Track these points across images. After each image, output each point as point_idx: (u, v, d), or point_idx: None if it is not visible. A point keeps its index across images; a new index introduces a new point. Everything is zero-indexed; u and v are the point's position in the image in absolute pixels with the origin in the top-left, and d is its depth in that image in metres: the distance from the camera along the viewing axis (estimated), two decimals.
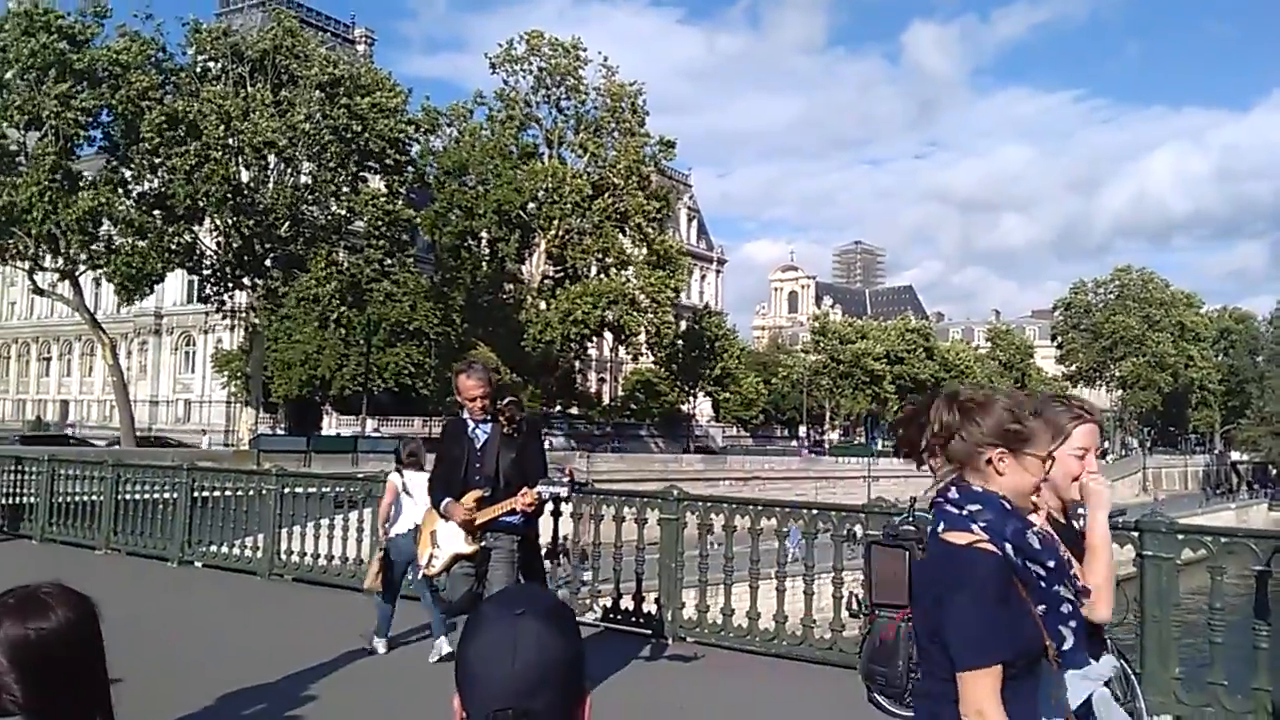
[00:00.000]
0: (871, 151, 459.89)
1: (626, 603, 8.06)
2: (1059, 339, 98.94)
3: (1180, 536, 5.86)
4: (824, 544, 7.24)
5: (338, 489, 10.87)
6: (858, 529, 6.99)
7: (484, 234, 52.94)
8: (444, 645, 6.99)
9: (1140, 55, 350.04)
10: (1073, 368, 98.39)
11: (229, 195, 37.64)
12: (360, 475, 11.78)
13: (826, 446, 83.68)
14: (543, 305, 53.33)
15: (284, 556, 10.49)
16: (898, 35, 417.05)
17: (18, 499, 14.16)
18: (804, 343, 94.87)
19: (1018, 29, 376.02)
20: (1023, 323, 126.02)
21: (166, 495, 12.00)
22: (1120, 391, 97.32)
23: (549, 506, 5.63)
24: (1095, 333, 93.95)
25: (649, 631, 7.71)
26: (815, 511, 7.47)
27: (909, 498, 6.68)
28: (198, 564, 11.13)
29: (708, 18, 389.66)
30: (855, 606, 5.92)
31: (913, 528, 5.90)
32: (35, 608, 1.65)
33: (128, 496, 12.35)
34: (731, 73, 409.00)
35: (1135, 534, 5.84)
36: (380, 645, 7.34)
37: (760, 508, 7.64)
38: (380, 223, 42.45)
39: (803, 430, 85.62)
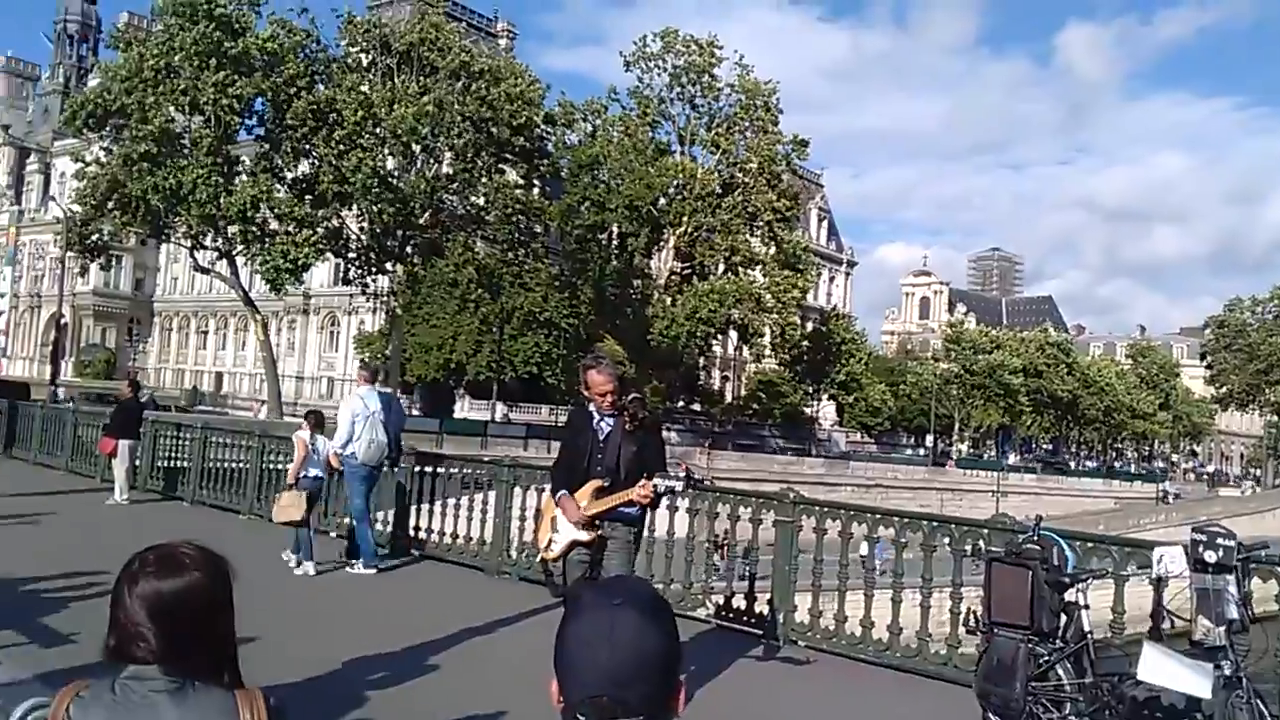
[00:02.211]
0: (1014, 155, 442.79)
1: (739, 602, 8.09)
2: (1209, 358, 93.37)
3: None
4: (943, 558, 7.11)
5: (466, 470, 11.26)
6: (980, 544, 6.82)
7: (614, 228, 53.53)
8: (310, 568, 9.54)
9: None
10: (1222, 390, 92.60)
11: (373, 183, 39.10)
12: (488, 459, 12.13)
13: (954, 458, 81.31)
14: (669, 301, 53.56)
15: (413, 533, 10.92)
16: (1050, 36, 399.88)
17: (174, 463, 15.16)
18: (935, 350, 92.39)
19: (1182, 31, 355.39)
20: (1170, 340, 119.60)
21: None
22: (1274, 417, 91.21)
23: (664, 501, 5.73)
24: (1250, 354, 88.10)
25: (760, 632, 7.72)
26: (935, 524, 7.33)
27: (1035, 516, 6.54)
28: (332, 534, 11.65)
29: (850, 15, 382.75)
30: (973, 623, 5.85)
31: (1037, 546, 5.77)
32: (173, 565, 1.79)
33: (271, 466, 13.05)
34: (872, 72, 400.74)
35: None
36: (310, 568, 9.57)
37: (878, 516, 7.55)
38: (514, 212, 43.43)
39: (930, 440, 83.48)
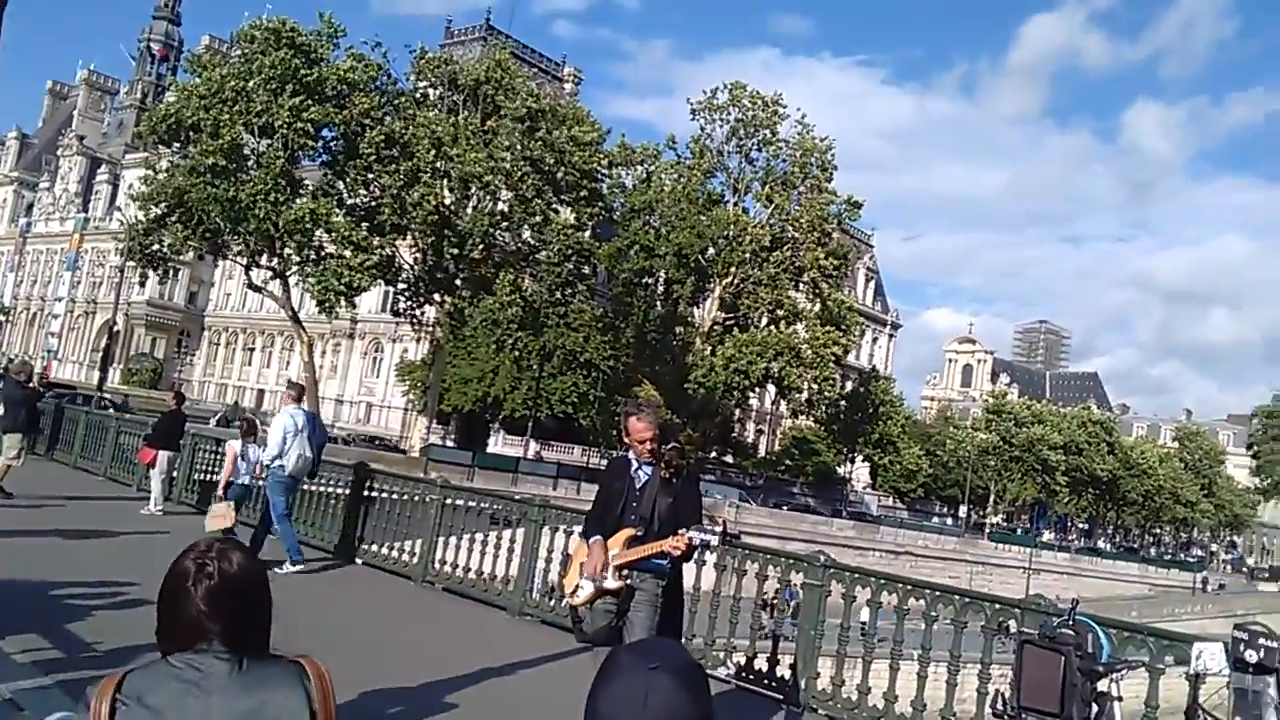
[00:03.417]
0: (1072, 229, 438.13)
1: (760, 663, 7.97)
2: (1255, 448, 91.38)
3: None
4: (971, 633, 6.98)
5: (496, 506, 11.26)
6: (1011, 624, 6.68)
7: (661, 274, 53.82)
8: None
9: None
10: (1267, 481, 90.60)
11: (434, 218, 39.71)
12: (518, 496, 12.13)
13: (987, 530, 79.91)
14: (709, 350, 53.59)
15: (438, 565, 10.87)
16: (1118, 113, 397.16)
17: (210, 477, 15.31)
18: (974, 419, 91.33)
19: (1252, 114, 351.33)
20: (1216, 426, 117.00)
21: (338, 491, 12.70)
22: None
23: (694, 555, 5.67)
24: None
25: (780, 696, 7.59)
26: (968, 599, 7.20)
27: (1070, 598, 6.39)
28: (358, 561, 11.71)
29: (916, 80, 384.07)
30: (1001, 706, 5.71)
31: (1071, 631, 5.64)
32: (225, 554, 1.98)
33: (304, 488, 13.11)
34: (934, 136, 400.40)
35: None
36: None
37: (909, 587, 7.43)
38: (566, 253, 43.87)
39: (963, 510, 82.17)
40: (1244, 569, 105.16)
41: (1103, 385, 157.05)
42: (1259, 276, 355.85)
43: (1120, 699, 5.33)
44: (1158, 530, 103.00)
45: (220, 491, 11.46)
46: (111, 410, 26.14)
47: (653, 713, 1.35)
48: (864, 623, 7.67)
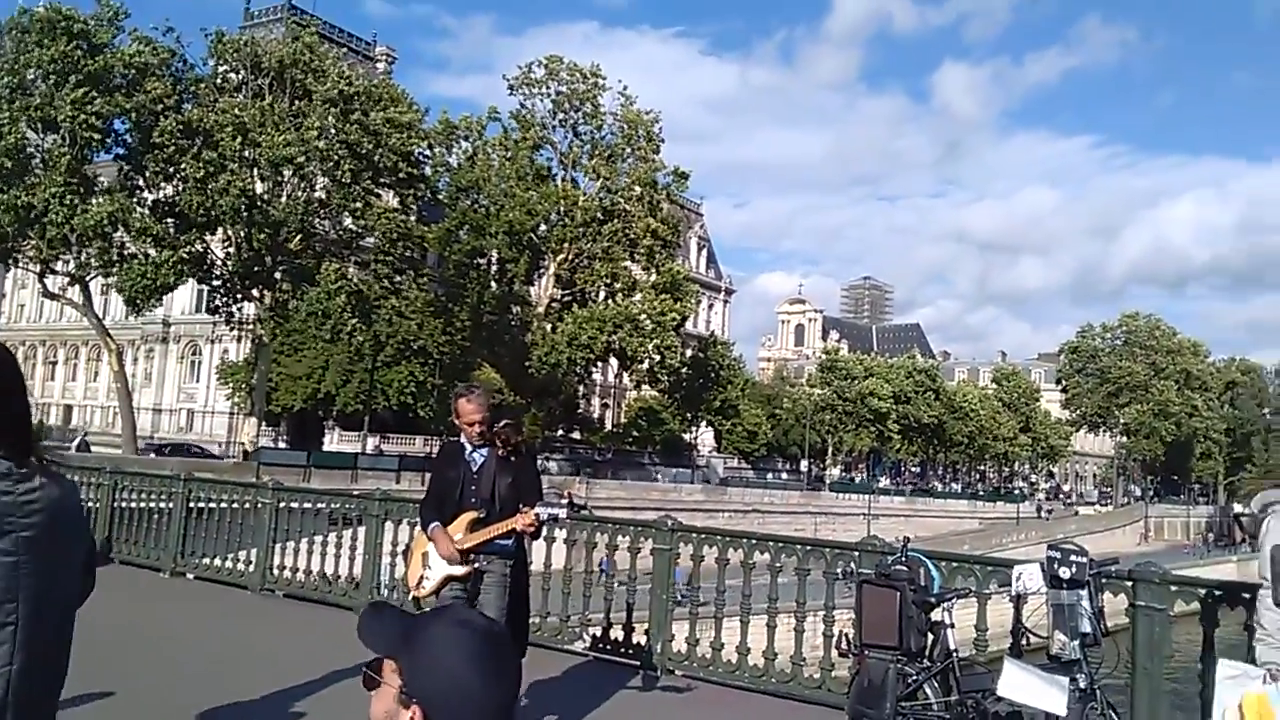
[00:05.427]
0: (890, 188, 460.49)
1: (616, 633, 8.02)
2: (1064, 383, 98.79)
3: (1174, 588, 5.82)
4: (816, 581, 7.21)
5: (334, 505, 10.88)
6: (851, 567, 6.95)
7: (494, 253, 53.08)
8: None
9: (1167, 104, 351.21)
10: (1077, 412, 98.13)
11: (242, 207, 37.77)
12: (357, 493, 11.75)
13: (827, 482, 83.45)
14: (549, 328, 53.36)
15: (276, 572, 10.45)
16: (927, 75, 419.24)
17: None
18: (809, 376, 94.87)
19: (1049, 73, 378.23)
20: (1029, 365, 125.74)
21: (162, 505, 11.97)
22: (1124, 438, 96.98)
23: (543, 531, 5.63)
24: (1100, 378, 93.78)
25: (637, 663, 7.65)
26: (808, 547, 7.44)
27: (903, 537, 6.69)
28: (190, 575, 11.08)
29: (735, 49, 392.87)
30: (845, 645, 5.93)
31: (905, 568, 5.89)
32: None
33: (124, 504, 12.32)
34: (755, 105, 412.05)
35: (1128, 584, 5.80)
36: None
37: (754, 542, 7.62)
38: (392, 238, 42.58)
39: (804, 465, 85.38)
40: (1060, 496, 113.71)
41: (925, 335, 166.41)
42: (1062, 224, 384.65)
43: (953, 626, 5.63)
44: (982, 467, 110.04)
45: None
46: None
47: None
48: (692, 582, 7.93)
